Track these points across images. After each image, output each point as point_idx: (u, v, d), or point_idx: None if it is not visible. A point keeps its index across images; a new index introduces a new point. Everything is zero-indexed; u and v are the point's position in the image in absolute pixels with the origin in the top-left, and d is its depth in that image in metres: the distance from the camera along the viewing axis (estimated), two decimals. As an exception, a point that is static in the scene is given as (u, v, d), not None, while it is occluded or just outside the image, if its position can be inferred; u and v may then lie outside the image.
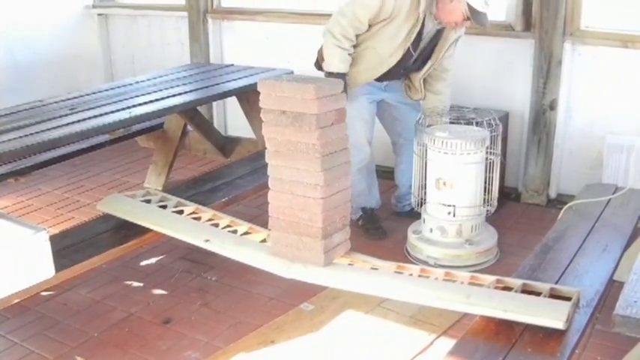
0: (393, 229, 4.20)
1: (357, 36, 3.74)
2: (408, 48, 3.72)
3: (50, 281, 2.93)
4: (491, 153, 3.75)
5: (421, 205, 3.89)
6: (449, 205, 3.69)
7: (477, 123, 3.76)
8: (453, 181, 3.66)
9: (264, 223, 3.18)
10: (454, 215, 3.70)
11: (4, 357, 3.09)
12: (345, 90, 3.72)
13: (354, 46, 3.76)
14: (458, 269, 3.11)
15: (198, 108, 4.99)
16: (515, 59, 4.51)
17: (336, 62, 3.72)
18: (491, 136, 3.73)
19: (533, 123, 4.47)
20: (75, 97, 4.19)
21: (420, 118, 3.83)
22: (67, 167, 5.23)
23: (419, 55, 3.82)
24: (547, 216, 4.28)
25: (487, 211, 3.83)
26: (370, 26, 3.70)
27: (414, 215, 4.11)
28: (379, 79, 3.91)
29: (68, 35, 6.26)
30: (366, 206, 4.20)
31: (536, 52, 4.35)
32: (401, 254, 3.86)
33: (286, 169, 2.87)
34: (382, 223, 4.21)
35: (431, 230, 3.77)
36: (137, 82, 4.61)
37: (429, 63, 3.87)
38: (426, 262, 3.68)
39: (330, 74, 3.72)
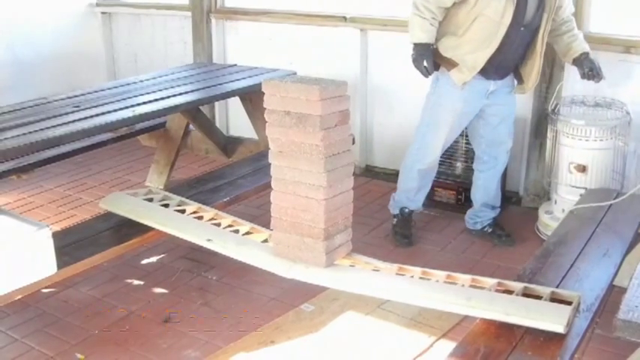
0: (418, 229, 4.28)
1: (454, 16, 3.66)
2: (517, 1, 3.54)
3: (51, 278, 2.93)
4: (619, 139, 3.92)
5: (549, 186, 4.17)
6: (580, 188, 3.86)
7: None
8: (585, 165, 3.89)
9: (265, 224, 3.19)
10: None
11: (5, 353, 3.10)
12: (433, 63, 3.70)
13: (459, 30, 3.68)
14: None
15: (201, 107, 5.00)
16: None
17: (417, 32, 3.68)
18: (621, 123, 3.90)
19: (535, 127, 4.48)
20: (78, 95, 4.19)
21: (553, 105, 4.03)
22: (70, 165, 5.24)
23: (537, 5, 3.63)
24: (548, 220, 4.29)
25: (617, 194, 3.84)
26: None
27: (485, 235, 4.15)
28: (496, 67, 3.74)
29: (71, 33, 6.27)
30: (405, 207, 4.17)
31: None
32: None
33: (289, 169, 2.87)
34: (413, 230, 4.21)
35: (563, 210, 3.87)
36: (140, 81, 4.61)
37: (547, 9, 3.64)
38: None
39: (415, 46, 3.71)
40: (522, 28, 3.64)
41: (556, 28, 3.83)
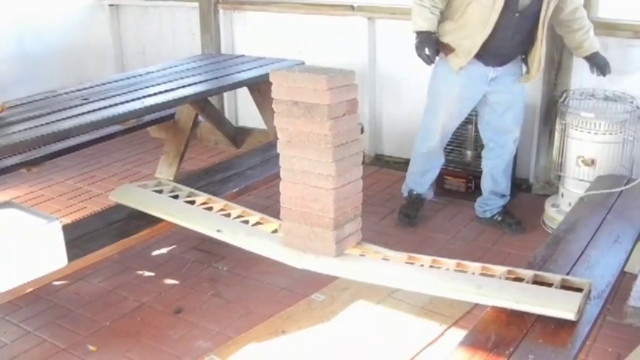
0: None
1: (452, 1, 3.67)
2: None
3: (63, 271, 2.95)
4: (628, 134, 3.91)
5: (559, 180, 4.11)
6: (588, 182, 3.82)
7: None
8: (594, 158, 3.87)
9: (275, 214, 3.19)
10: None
11: (17, 345, 3.12)
12: (435, 51, 3.70)
13: (455, 15, 3.70)
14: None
15: (210, 98, 5.00)
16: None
17: (418, 20, 3.70)
18: (630, 117, 3.88)
19: (545, 114, 4.46)
20: (87, 88, 4.20)
21: (563, 98, 4.03)
22: (79, 157, 5.25)
23: None
24: (558, 207, 4.27)
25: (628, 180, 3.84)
26: None
27: (495, 223, 4.15)
28: (493, 54, 3.73)
29: (79, 26, 6.28)
30: (414, 190, 4.28)
31: (547, 42, 4.31)
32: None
33: (298, 159, 2.87)
34: (419, 212, 4.28)
35: (570, 204, 3.84)
36: (148, 73, 4.61)
37: None
38: None
39: (418, 34, 3.71)
40: (517, 14, 3.62)
41: (568, 24, 3.83)
